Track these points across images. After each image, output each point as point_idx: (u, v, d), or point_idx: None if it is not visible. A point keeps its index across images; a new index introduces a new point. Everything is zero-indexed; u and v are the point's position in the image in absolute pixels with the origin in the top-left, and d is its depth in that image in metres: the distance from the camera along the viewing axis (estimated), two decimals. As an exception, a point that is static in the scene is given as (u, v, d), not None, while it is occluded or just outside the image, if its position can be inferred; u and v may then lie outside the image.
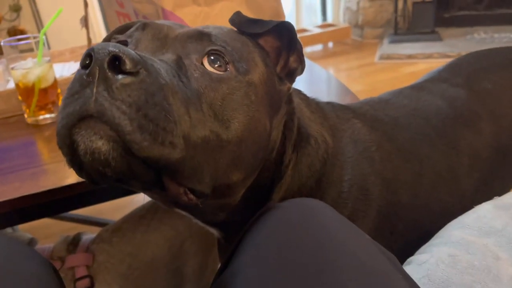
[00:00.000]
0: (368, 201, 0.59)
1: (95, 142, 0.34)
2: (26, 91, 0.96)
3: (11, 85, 1.07)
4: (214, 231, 0.59)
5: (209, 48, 0.44)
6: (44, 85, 0.96)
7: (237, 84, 0.44)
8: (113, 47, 0.34)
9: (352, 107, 0.69)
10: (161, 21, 0.53)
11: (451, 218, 0.62)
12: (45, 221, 1.59)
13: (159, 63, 0.40)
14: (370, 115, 0.68)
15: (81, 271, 0.86)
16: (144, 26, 0.47)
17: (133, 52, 0.35)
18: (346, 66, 3.18)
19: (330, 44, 3.78)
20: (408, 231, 0.62)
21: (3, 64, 1.25)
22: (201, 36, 0.45)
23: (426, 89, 0.77)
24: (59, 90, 1.01)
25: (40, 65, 0.95)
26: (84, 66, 0.35)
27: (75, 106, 0.34)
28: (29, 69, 0.94)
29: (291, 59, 0.53)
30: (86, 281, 0.85)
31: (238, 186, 0.49)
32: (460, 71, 0.81)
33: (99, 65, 0.34)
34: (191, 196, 0.42)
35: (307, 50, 3.67)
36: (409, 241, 0.61)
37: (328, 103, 0.68)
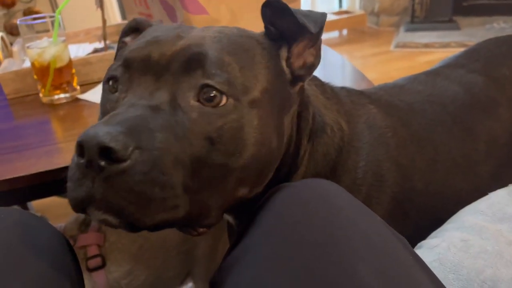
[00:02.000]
0: (383, 187, 0.58)
1: (105, 217, 0.38)
2: (41, 71, 0.97)
3: (27, 64, 1.08)
4: (228, 218, 0.59)
5: (201, 83, 0.42)
6: (59, 64, 0.97)
7: (235, 116, 0.43)
8: (101, 136, 0.35)
9: (366, 92, 0.68)
10: (154, 28, 0.52)
11: (465, 205, 0.61)
12: (56, 201, 1.62)
13: (154, 120, 0.39)
14: (385, 100, 0.67)
15: (92, 250, 0.87)
16: (129, 62, 0.45)
17: (121, 135, 0.36)
18: (361, 54, 3.15)
19: (345, 32, 3.73)
20: (421, 218, 0.61)
21: (19, 44, 1.26)
22: (193, 65, 0.43)
23: (442, 75, 0.76)
24: (73, 70, 1.01)
25: (56, 45, 0.95)
26: (79, 154, 0.36)
27: (81, 193, 0.37)
28: (45, 48, 0.95)
29: (308, 51, 0.51)
30: (97, 260, 0.86)
31: (251, 194, 0.49)
32: (478, 57, 0.80)
33: (91, 158, 0.35)
34: (201, 230, 0.46)
35: (322, 36, 3.63)
36: (421, 227, 0.61)
37: (342, 88, 0.67)
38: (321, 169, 0.56)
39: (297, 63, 0.51)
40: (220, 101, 0.42)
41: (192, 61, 0.43)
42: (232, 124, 0.42)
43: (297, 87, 0.52)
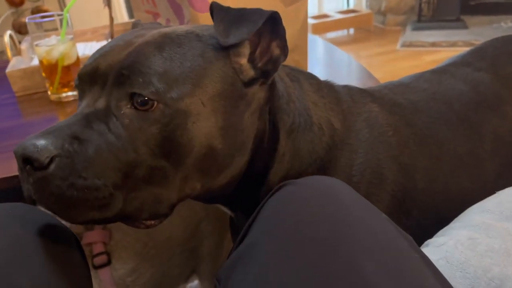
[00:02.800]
0: (382, 185, 0.58)
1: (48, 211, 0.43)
2: (49, 68, 0.98)
3: (35, 62, 1.09)
4: (225, 209, 0.60)
5: (130, 92, 0.44)
6: (67, 62, 0.97)
7: (165, 120, 0.44)
8: (25, 147, 0.40)
9: (370, 90, 0.68)
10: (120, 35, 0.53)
11: (470, 204, 0.61)
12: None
13: (83, 128, 0.43)
14: (389, 99, 0.67)
15: (98, 248, 0.87)
16: (85, 69, 0.48)
17: (41, 146, 0.40)
18: (367, 53, 3.14)
19: (352, 31, 3.72)
20: (425, 217, 0.61)
21: (27, 42, 1.27)
22: (123, 75, 0.45)
23: (448, 73, 0.76)
24: (81, 68, 1.02)
25: (64, 43, 0.96)
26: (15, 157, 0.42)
27: (25, 191, 0.43)
28: (53, 46, 0.95)
29: (273, 44, 0.50)
30: (103, 258, 0.87)
31: (208, 188, 0.51)
32: (484, 55, 0.79)
33: (19, 165, 0.42)
34: (150, 222, 0.48)
35: (327, 36, 3.62)
36: (425, 227, 0.60)
37: (344, 87, 0.66)
38: (307, 167, 0.56)
39: (264, 58, 0.50)
40: (151, 106, 0.44)
41: (122, 70, 0.45)
42: (163, 128, 0.44)
43: (257, 84, 0.51)
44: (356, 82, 0.98)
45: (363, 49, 3.24)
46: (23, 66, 1.08)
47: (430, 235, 0.58)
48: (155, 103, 0.44)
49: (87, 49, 1.23)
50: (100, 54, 0.48)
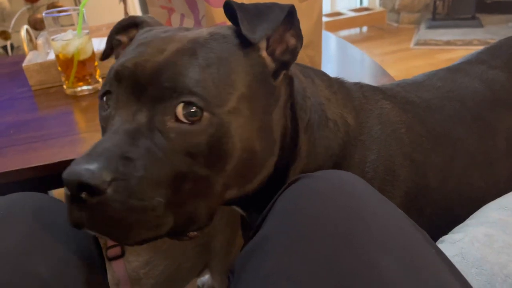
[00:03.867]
0: (396, 182, 0.58)
1: (98, 235, 0.42)
2: (65, 63, 0.99)
3: (51, 56, 1.11)
4: (237, 209, 0.60)
5: (176, 103, 0.43)
6: (82, 57, 0.99)
7: (212, 130, 0.44)
8: (79, 174, 0.38)
9: (382, 88, 0.68)
10: (142, 36, 0.51)
11: (483, 203, 0.60)
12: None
13: (132, 147, 0.41)
14: (401, 96, 0.66)
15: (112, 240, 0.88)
16: (119, 78, 0.46)
17: (98, 171, 0.38)
18: (380, 51, 3.11)
19: (365, 29, 3.70)
20: (437, 215, 0.61)
21: (44, 37, 1.29)
22: (167, 87, 0.43)
23: (462, 71, 0.75)
24: (96, 63, 1.04)
25: (80, 37, 0.97)
26: (65, 186, 0.40)
27: (74, 218, 0.41)
28: (69, 41, 0.97)
29: (288, 34, 0.50)
30: (117, 250, 0.88)
31: (242, 192, 0.50)
32: (500, 53, 0.78)
33: (73, 193, 0.39)
34: (193, 233, 0.47)
35: (340, 34, 3.60)
36: (437, 226, 0.60)
37: (356, 84, 0.66)
38: (323, 163, 0.56)
39: (280, 48, 0.50)
40: (199, 116, 0.43)
41: (165, 84, 0.44)
42: (209, 138, 0.43)
43: (281, 76, 0.51)
44: (371, 79, 0.97)
45: (376, 48, 3.22)
46: (39, 60, 1.09)
47: (442, 233, 0.58)
48: (203, 113, 0.43)
49: (102, 44, 1.24)
50: (134, 56, 0.46)
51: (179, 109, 0.43)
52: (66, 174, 0.39)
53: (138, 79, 0.45)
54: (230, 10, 0.48)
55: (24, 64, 1.07)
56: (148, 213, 0.41)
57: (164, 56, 0.45)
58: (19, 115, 0.94)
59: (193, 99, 0.43)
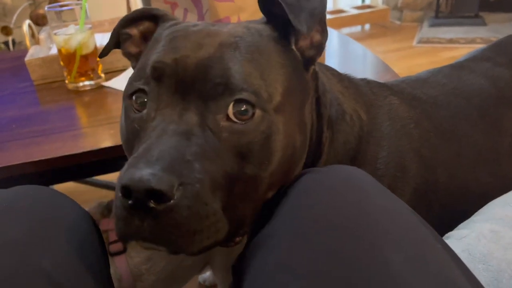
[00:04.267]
0: (405, 179, 0.58)
1: (153, 247, 0.39)
2: (67, 57, 0.99)
3: (54, 51, 1.10)
4: None
5: (231, 100, 0.42)
6: (85, 51, 0.98)
7: (264, 127, 0.42)
8: (146, 179, 0.35)
9: (388, 84, 0.68)
10: (169, 31, 0.48)
11: (490, 199, 0.60)
12: (79, 188, 1.66)
13: (189, 149, 0.39)
14: (408, 93, 0.66)
15: (114, 235, 0.88)
16: (159, 76, 0.44)
17: (165, 176, 0.36)
18: (383, 49, 3.11)
19: (368, 26, 3.69)
20: (445, 211, 0.61)
21: (46, 31, 1.29)
22: (218, 83, 0.42)
23: (467, 68, 0.74)
24: (98, 58, 1.03)
25: (82, 32, 0.97)
26: (125, 195, 0.37)
27: (130, 230, 0.38)
28: (71, 35, 0.96)
29: (317, 28, 0.49)
30: (119, 245, 0.88)
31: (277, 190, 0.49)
32: (505, 50, 0.78)
33: (138, 200, 0.36)
34: (238, 239, 0.45)
35: (343, 31, 3.59)
36: (445, 221, 0.60)
37: (363, 79, 0.66)
38: (342, 158, 0.56)
39: (305, 43, 0.50)
40: (252, 114, 0.42)
41: (216, 80, 0.42)
42: (261, 135, 0.42)
43: (311, 71, 0.51)
44: (374, 75, 0.97)
45: (379, 45, 3.21)
46: (41, 55, 1.09)
47: (449, 229, 0.58)
48: (255, 110, 0.42)
49: (104, 39, 1.24)
50: (169, 57, 0.44)
51: (230, 107, 0.41)
52: (128, 179, 0.35)
53: (182, 76, 0.43)
54: (267, 5, 0.47)
55: (27, 58, 1.06)
56: (210, 218, 0.39)
57: (207, 50, 0.44)
58: (22, 109, 0.94)
59: (246, 95, 0.41)
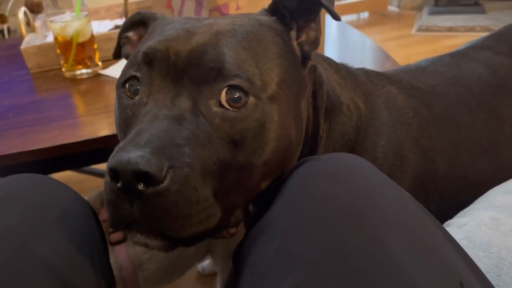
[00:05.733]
0: (404, 168, 0.58)
1: (146, 241, 0.39)
2: (64, 45, 0.98)
3: (50, 39, 1.09)
4: None
5: (224, 86, 0.41)
6: (81, 39, 0.97)
7: (257, 115, 0.42)
8: (135, 162, 0.34)
9: (386, 73, 0.67)
10: (161, 23, 0.49)
11: (489, 188, 0.60)
12: (76, 177, 1.65)
13: (180, 133, 0.39)
14: (406, 82, 0.66)
15: None
16: (150, 61, 0.43)
17: (154, 158, 0.35)
18: (382, 37, 3.08)
19: (366, 14, 3.66)
20: (444, 200, 0.61)
21: (41, 19, 1.27)
22: (212, 68, 0.41)
23: (467, 57, 0.74)
24: (95, 46, 1.02)
25: (78, 19, 0.96)
26: (113, 178, 0.36)
27: (121, 215, 0.38)
28: (68, 22, 0.95)
29: (310, 27, 0.50)
30: (119, 234, 0.88)
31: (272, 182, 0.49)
32: (506, 39, 0.77)
33: (127, 183, 0.35)
34: (233, 230, 0.45)
35: (342, 19, 3.56)
36: (444, 211, 0.60)
37: (360, 69, 0.66)
38: (340, 149, 0.56)
39: (303, 39, 0.50)
40: (245, 101, 0.41)
41: (210, 64, 0.41)
42: (254, 123, 0.42)
43: (308, 66, 0.51)
44: (374, 63, 0.96)
45: (378, 34, 3.19)
46: (37, 43, 1.08)
47: (449, 218, 0.58)
48: (248, 98, 0.41)
49: (100, 27, 1.23)
50: (164, 40, 0.44)
51: (223, 94, 0.41)
52: (116, 162, 0.35)
53: (174, 60, 0.42)
54: None
55: (22, 46, 1.05)
56: (200, 204, 0.38)
57: (203, 37, 0.43)
58: (18, 98, 0.93)
59: (239, 81, 0.41)
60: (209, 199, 0.39)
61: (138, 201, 0.36)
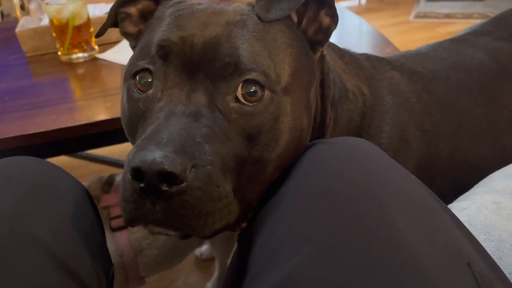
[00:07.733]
0: (408, 152, 0.58)
1: (164, 231, 0.40)
2: (60, 28, 0.96)
3: (45, 22, 1.08)
4: None
5: (242, 80, 0.41)
6: (78, 22, 0.96)
7: (272, 109, 0.42)
8: (159, 162, 0.34)
9: (388, 59, 0.67)
10: (171, 8, 0.47)
11: (490, 173, 0.60)
12: (73, 162, 1.64)
13: (199, 131, 0.38)
14: (408, 67, 0.66)
15: (115, 210, 0.87)
16: (165, 54, 0.42)
17: (178, 158, 0.35)
18: (379, 24, 3.07)
19: (364, 0, 3.64)
20: (446, 185, 0.61)
21: (36, 2, 1.25)
22: (228, 63, 0.41)
23: (467, 42, 0.74)
24: (91, 29, 1.01)
25: (74, 1, 0.94)
26: (136, 178, 0.36)
27: (140, 214, 0.38)
28: (64, 5, 0.94)
29: (322, 13, 0.48)
30: (120, 221, 0.87)
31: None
32: (506, 24, 0.77)
33: (151, 183, 0.35)
34: (243, 224, 0.44)
35: (338, 5, 3.54)
36: (445, 195, 0.60)
37: (363, 54, 0.65)
38: (346, 135, 0.56)
39: (313, 27, 0.49)
40: (261, 95, 0.41)
41: (226, 59, 0.41)
42: (269, 117, 0.42)
43: (318, 54, 0.50)
44: (373, 49, 0.96)
45: (375, 20, 3.17)
46: (33, 26, 1.06)
47: (449, 203, 0.58)
48: (264, 92, 0.41)
49: (96, 10, 1.21)
50: (175, 35, 0.43)
51: (239, 88, 0.41)
52: (140, 161, 0.35)
53: (189, 55, 0.42)
54: None
55: (17, 29, 1.03)
56: (222, 200, 0.39)
57: (215, 29, 0.43)
58: (14, 82, 0.92)
59: (255, 76, 0.40)
60: (229, 196, 0.39)
61: (160, 201, 0.36)
